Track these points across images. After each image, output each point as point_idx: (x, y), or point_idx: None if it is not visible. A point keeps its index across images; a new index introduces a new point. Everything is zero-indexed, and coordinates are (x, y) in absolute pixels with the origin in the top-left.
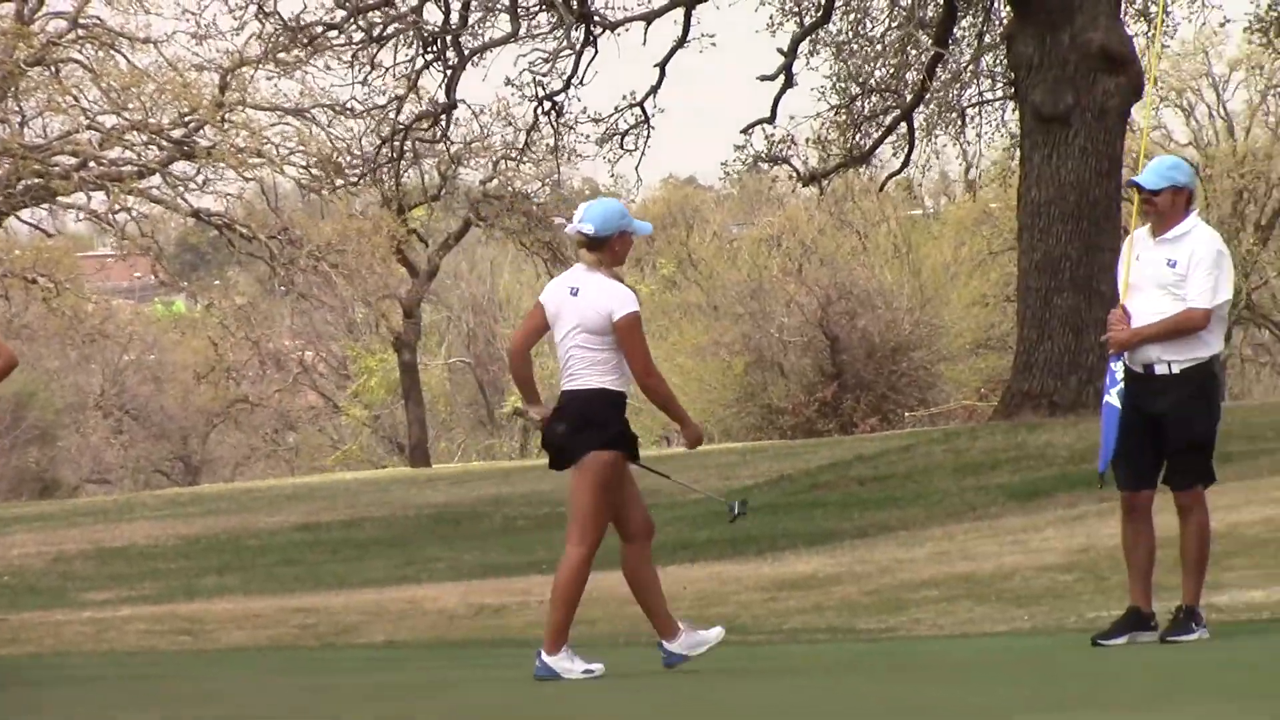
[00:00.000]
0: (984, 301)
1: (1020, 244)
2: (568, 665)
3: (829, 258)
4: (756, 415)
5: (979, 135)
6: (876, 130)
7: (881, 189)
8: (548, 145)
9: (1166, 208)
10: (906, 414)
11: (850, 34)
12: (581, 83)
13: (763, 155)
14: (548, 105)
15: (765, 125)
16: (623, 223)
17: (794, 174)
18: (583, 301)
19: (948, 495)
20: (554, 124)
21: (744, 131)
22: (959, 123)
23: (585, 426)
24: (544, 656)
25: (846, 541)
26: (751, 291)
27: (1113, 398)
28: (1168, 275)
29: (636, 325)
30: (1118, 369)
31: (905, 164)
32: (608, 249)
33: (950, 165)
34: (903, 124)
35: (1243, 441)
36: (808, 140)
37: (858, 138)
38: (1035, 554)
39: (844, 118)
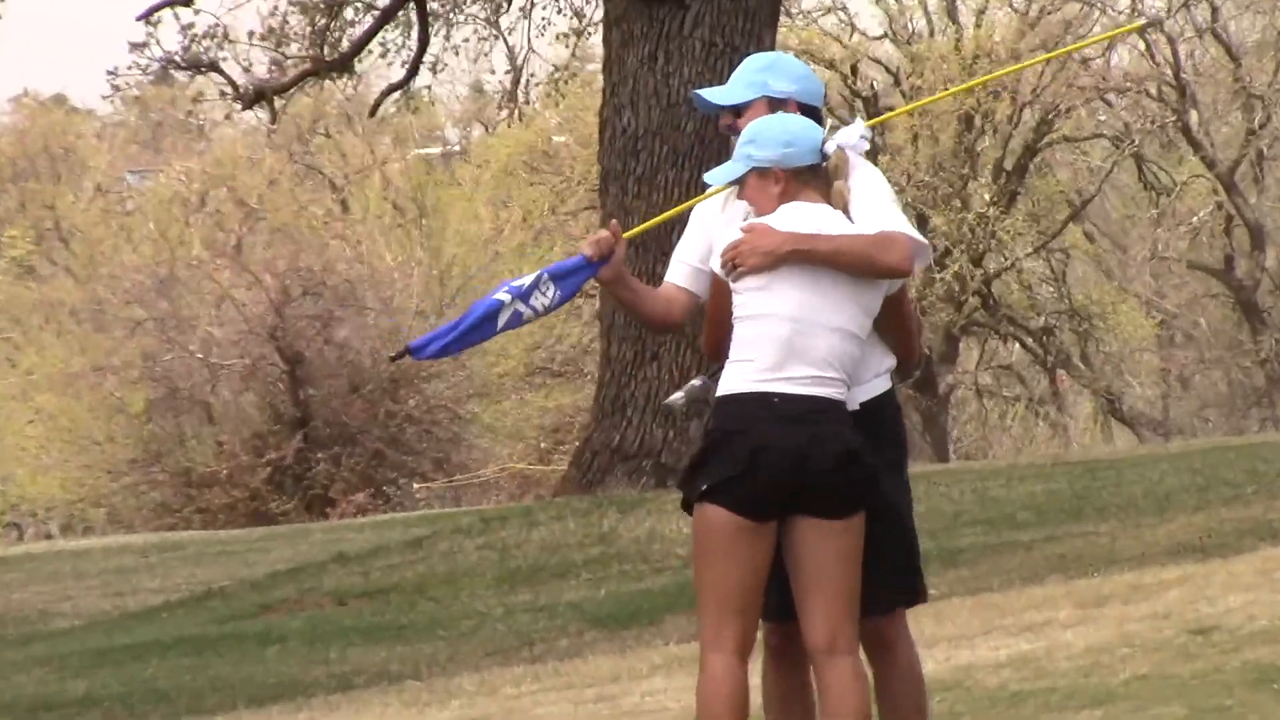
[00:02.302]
0: None
1: (603, 201)
2: None
3: (288, 226)
4: (168, 489)
5: (535, 24)
6: (365, 18)
7: (374, 112)
8: None
9: None
10: (418, 485)
11: None
12: None
13: (176, 58)
14: None
15: (179, 10)
16: None
17: (229, 89)
18: None
19: (488, 620)
20: None
21: (145, 19)
22: (500, 3)
23: (854, 461)
24: None
25: (318, 697)
26: (159, 283)
27: (504, 296)
28: None
29: None
30: (547, 284)
31: (412, 73)
32: None
33: (487, 74)
34: (410, 7)
35: (979, 530)
36: (252, 35)
37: (334, 31)
38: (633, 718)
39: None
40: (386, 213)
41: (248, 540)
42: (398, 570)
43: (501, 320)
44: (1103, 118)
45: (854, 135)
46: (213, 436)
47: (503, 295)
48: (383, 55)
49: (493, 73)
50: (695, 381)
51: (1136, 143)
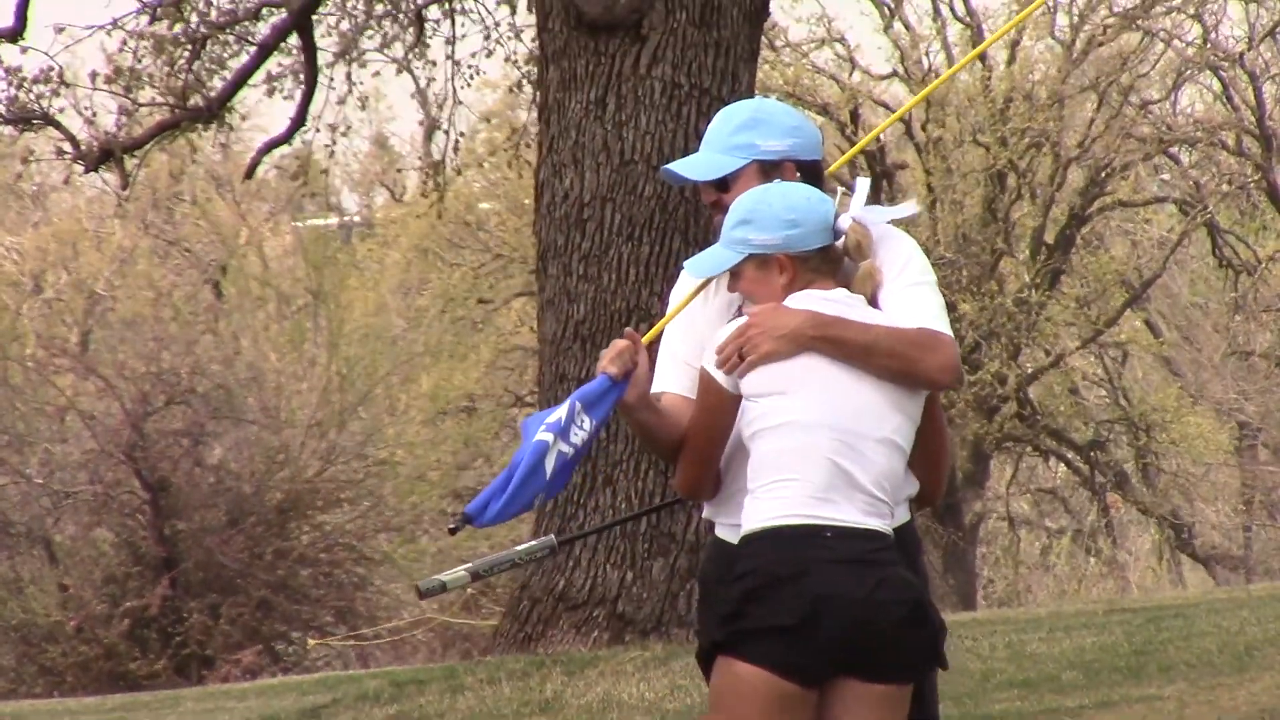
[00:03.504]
0: (468, 403)
1: (540, 284)
2: None
3: (145, 318)
4: (1, 646)
5: (455, 64)
6: (238, 55)
7: (250, 174)
8: None
9: None
10: (315, 641)
11: None
12: None
13: (1, 108)
14: None
15: (4, 48)
16: None
17: (69, 146)
18: None
19: None
20: None
21: None
22: (410, 39)
23: (920, 610)
24: None
25: None
26: None
27: (546, 436)
28: None
29: None
30: (581, 414)
31: (299, 124)
32: None
33: (393, 124)
34: (293, 39)
35: (1014, 694)
36: (96, 78)
37: (201, 69)
38: None
39: (176, 30)
40: (270, 300)
41: (102, 709)
42: None
43: (550, 466)
44: (1167, 177)
45: (867, 201)
46: (56, 580)
47: (544, 435)
48: (269, 96)
49: (421, 124)
50: (519, 549)
51: (1210, 208)
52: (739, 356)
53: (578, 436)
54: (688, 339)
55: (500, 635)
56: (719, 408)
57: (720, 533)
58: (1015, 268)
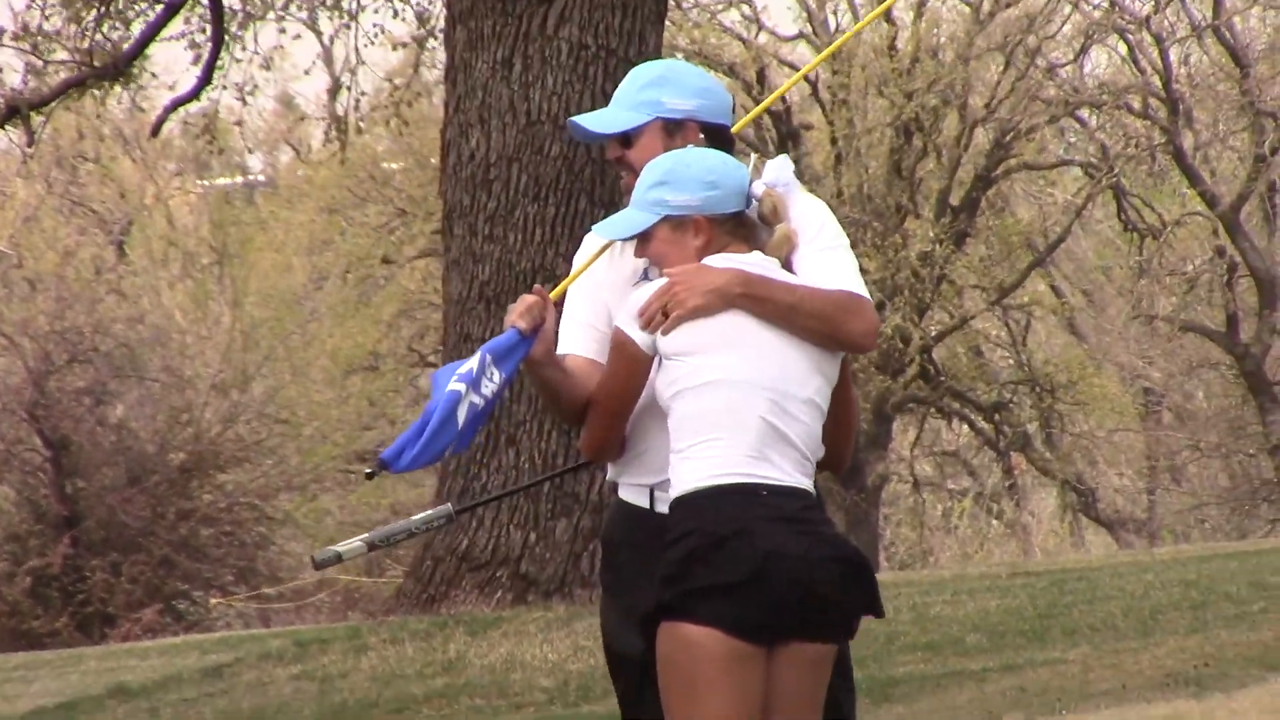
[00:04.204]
0: (372, 363)
1: (446, 244)
2: None
3: (49, 276)
4: None
5: (365, 30)
6: (146, 15)
7: (157, 132)
8: None
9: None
10: (216, 600)
11: None
12: None
13: None
14: None
15: None
16: None
17: None
18: None
19: None
20: None
21: None
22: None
23: (860, 570)
24: None
25: None
26: None
27: (459, 385)
28: None
29: None
30: (490, 366)
31: (205, 82)
32: None
33: (300, 83)
34: None
35: (918, 657)
36: (2, 35)
37: (109, 29)
38: None
39: None
40: (174, 259)
41: (4, 667)
42: (193, 706)
43: (462, 416)
44: (1074, 140)
45: (786, 170)
46: None
47: (457, 385)
48: (184, 60)
49: (306, 73)
50: (416, 518)
51: (1116, 172)
52: (663, 314)
53: (488, 388)
54: (592, 302)
55: (403, 595)
56: (632, 368)
57: (624, 494)
58: (920, 227)
